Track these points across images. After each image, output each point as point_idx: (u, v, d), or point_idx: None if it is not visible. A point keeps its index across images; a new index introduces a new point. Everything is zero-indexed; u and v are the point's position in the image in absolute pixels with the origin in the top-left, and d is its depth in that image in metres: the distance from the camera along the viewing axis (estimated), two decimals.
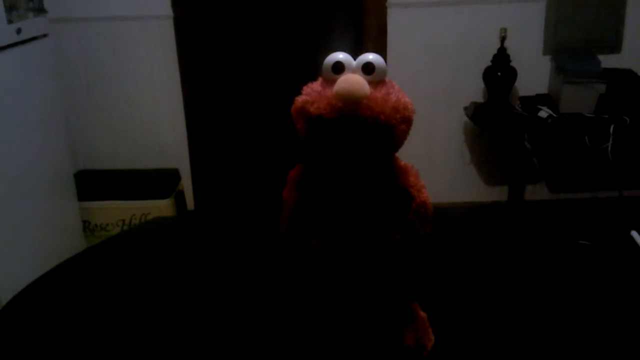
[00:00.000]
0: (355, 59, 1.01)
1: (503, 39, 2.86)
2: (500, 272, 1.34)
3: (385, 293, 1.06)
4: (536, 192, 3.27)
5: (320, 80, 1.03)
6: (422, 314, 1.11)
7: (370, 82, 0.98)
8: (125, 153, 3.16)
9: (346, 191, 1.03)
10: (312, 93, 1.00)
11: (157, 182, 3.02)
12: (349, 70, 0.99)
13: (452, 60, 3.05)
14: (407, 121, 1.02)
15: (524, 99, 2.99)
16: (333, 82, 0.98)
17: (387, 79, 1.03)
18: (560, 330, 1.13)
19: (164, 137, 3.15)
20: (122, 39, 2.99)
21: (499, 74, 2.87)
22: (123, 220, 2.88)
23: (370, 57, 1.00)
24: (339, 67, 0.99)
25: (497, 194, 3.26)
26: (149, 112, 3.11)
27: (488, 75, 2.90)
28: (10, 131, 2.16)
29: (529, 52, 3.00)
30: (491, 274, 1.33)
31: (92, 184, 2.97)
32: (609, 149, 2.66)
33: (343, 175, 1.03)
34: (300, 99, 1.02)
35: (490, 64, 2.89)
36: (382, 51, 3.00)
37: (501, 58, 2.87)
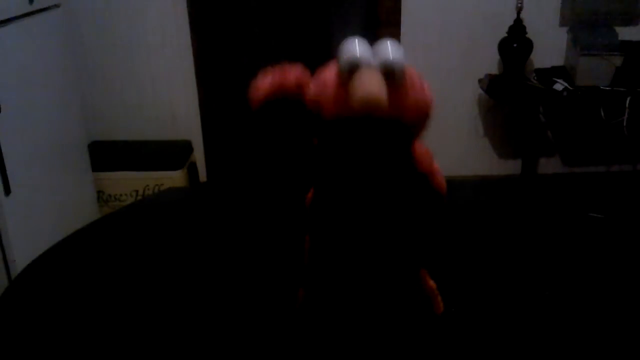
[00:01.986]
0: (372, 49, 0.89)
1: (519, 10, 2.82)
2: (511, 245, 1.34)
3: (394, 258, 1.04)
4: (550, 166, 3.26)
5: (334, 70, 0.91)
6: (431, 282, 1.11)
7: (390, 82, 0.88)
8: (138, 124, 3.17)
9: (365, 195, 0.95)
10: (325, 86, 0.90)
11: (170, 153, 3.03)
12: (367, 68, 0.86)
13: (467, 32, 3.02)
14: (427, 117, 0.97)
15: (539, 71, 2.96)
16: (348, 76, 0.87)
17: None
18: (570, 303, 1.13)
19: (177, 109, 3.15)
20: (135, 9, 2.97)
21: (515, 45, 2.84)
22: (136, 191, 2.90)
23: (391, 55, 0.87)
24: (354, 64, 0.86)
25: (510, 167, 3.24)
26: (161, 84, 3.10)
27: (503, 46, 2.87)
28: (24, 103, 2.17)
29: (545, 24, 2.96)
30: (502, 246, 1.34)
31: (106, 155, 2.99)
32: (625, 122, 2.64)
33: (360, 178, 0.94)
34: (314, 93, 0.92)
35: (506, 35, 2.86)
36: (396, 22, 2.97)
37: (517, 29, 2.83)
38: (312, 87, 0.92)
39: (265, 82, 0.96)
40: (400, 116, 0.90)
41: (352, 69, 0.86)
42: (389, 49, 0.87)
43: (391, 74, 0.87)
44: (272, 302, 1.12)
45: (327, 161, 0.96)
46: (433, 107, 0.98)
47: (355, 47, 0.87)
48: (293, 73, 0.93)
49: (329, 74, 0.90)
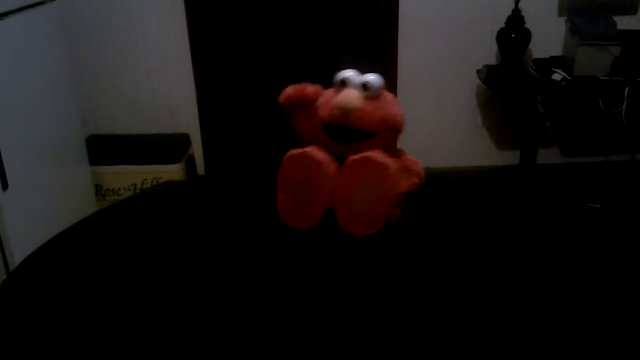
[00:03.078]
0: (361, 74, 1.25)
1: (517, 1, 2.81)
2: (510, 235, 1.34)
3: None
4: (548, 156, 3.25)
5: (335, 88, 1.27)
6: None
7: (368, 97, 1.21)
8: (136, 118, 3.16)
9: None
10: (325, 98, 1.27)
11: (168, 147, 3.03)
12: (352, 86, 1.22)
13: (466, 22, 3.01)
14: (393, 130, 1.25)
15: (538, 62, 2.95)
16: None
17: (385, 93, 1.25)
18: (568, 294, 1.13)
19: (175, 102, 3.14)
20: (131, 2, 2.96)
21: (513, 36, 2.83)
22: (135, 185, 2.90)
23: (370, 77, 1.23)
24: (344, 83, 1.24)
25: (509, 157, 3.24)
26: (159, 78, 3.10)
27: (502, 37, 2.86)
28: (21, 98, 2.16)
29: (543, 14, 2.95)
30: (502, 237, 1.33)
31: (104, 149, 2.98)
32: (624, 112, 2.63)
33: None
34: (318, 102, 1.27)
35: (504, 25, 2.85)
36: (394, 14, 2.96)
37: (515, 20, 2.82)
38: (320, 99, 1.27)
39: (290, 90, 1.34)
40: (367, 127, 1.20)
41: (342, 85, 1.24)
42: (370, 75, 1.23)
43: (368, 88, 1.22)
44: (270, 297, 1.12)
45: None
46: (401, 121, 1.25)
47: (348, 72, 1.24)
48: (312, 88, 1.32)
49: (332, 90, 1.27)
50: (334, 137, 1.23)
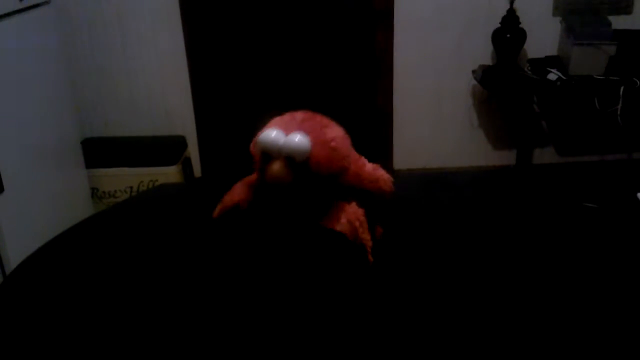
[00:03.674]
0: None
1: (512, 0, 2.81)
2: (507, 235, 1.34)
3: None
4: (544, 156, 3.26)
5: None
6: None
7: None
8: (132, 121, 3.15)
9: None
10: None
11: (164, 149, 3.02)
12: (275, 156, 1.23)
13: (461, 22, 3.01)
14: (337, 166, 1.23)
15: (533, 61, 2.95)
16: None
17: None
18: (565, 292, 1.13)
19: (170, 104, 3.14)
20: (126, 4, 2.96)
21: (508, 35, 2.83)
22: (131, 187, 2.90)
23: (294, 147, 1.20)
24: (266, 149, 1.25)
25: (505, 157, 3.24)
26: (155, 80, 3.09)
27: (497, 37, 2.86)
28: (16, 100, 2.16)
29: (538, 14, 2.95)
30: (498, 236, 1.33)
31: (100, 151, 2.97)
32: (619, 111, 2.64)
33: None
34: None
35: (499, 25, 2.85)
36: (389, 12, 2.97)
37: (510, 19, 2.82)
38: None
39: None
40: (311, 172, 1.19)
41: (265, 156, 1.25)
42: (294, 141, 1.20)
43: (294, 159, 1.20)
44: (267, 298, 1.12)
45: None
46: (336, 162, 1.23)
47: (269, 136, 1.24)
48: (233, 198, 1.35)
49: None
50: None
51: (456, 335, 1.03)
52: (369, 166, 1.31)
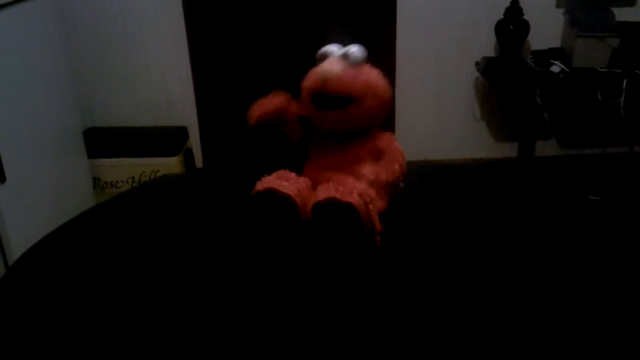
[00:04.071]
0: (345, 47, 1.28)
1: None
2: (509, 228, 1.34)
3: None
4: (546, 148, 3.25)
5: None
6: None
7: (349, 66, 1.23)
8: (134, 111, 3.15)
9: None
10: (312, 71, 1.29)
11: (166, 139, 3.02)
12: (332, 57, 1.27)
13: (464, 14, 3.00)
14: (375, 96, 1.25)
15: (536, 53, 2.94)
16: None
17: (367, 65, 1.27)
18: (567, 287, 1.13)
19: (172, 94, 3.13)
20: None
21: (511, 27, 2.82)
22: (133, 178, 2.90)
23: (352, 48, 1.26)
24: (325, 56, 1.28)
25: (507, 149, 3.24)
26: (156, 70, 3.09)
27: (500, 28, 2.86)
28: (18, 90, 2.16)
29: (542, 5, 2.94)
30: (500, 229, 1.33)
31: (102, 141, 2.97)
32: (622, 104, 2.63)
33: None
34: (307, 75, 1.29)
35: (502, 17, 2.84)
36: (392, 5, 2.95)
37: (514, 11, 2.81)
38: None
39: (256, 110, 1.45)
40: (348, 92, 1.22)
41: (322, 58, 1.27)
42: (352, 46, 1.26)
43: (347, 57, 1.25)
44: (269, 291, 1.12)
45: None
46: (383, 88, 1.26)
47: (330, 46, 1.29)
48: (276, 99, 1.41)
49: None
50: (319, 106, 1.26)
51: (458, 328, 1.04)
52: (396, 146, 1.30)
